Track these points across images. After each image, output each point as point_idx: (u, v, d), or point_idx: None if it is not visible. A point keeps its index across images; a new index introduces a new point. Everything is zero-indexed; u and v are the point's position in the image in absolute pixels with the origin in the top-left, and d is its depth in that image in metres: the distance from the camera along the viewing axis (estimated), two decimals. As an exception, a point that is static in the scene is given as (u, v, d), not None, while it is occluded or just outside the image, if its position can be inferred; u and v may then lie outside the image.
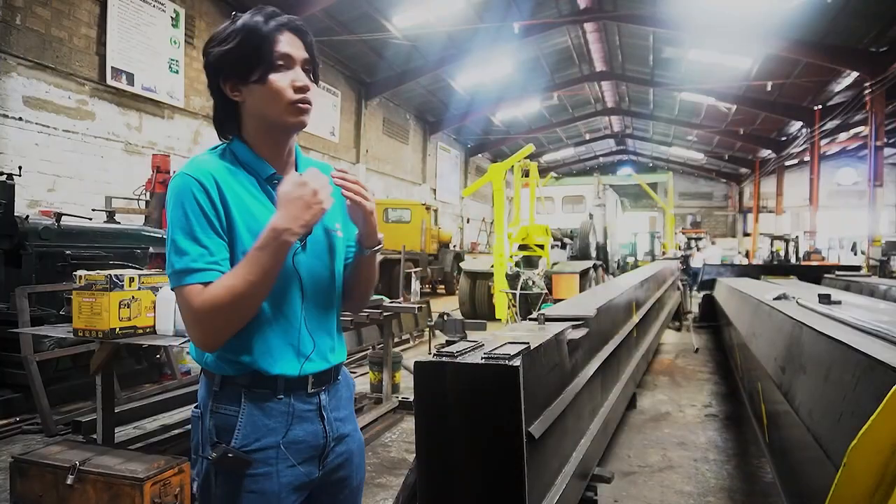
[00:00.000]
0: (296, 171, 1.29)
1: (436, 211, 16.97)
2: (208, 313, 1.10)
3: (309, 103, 1.20)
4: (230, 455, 1.17)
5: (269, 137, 1.23)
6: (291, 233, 1.11)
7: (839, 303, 2.85)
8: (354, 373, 5.44)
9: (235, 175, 1.20)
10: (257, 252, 1.10)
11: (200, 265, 1.11)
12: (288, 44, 1.18)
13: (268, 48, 1.16)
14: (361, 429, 1.82)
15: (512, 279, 9.33)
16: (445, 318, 4.43)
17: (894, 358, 1.43)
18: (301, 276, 1.22)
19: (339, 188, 1.28)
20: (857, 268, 11.01)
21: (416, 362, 1.52)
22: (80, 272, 2.92)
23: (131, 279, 2.89)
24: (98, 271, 2.90)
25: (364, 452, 1.42)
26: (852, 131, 20.84)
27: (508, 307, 8.99)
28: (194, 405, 1.28)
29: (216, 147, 1.25)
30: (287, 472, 1.21)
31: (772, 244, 20.87)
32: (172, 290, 1.15)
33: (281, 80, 1.17)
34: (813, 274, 8.74)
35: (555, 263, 10.39)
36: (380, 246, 1.34)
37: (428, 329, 6.29)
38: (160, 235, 5.87)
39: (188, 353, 5.82)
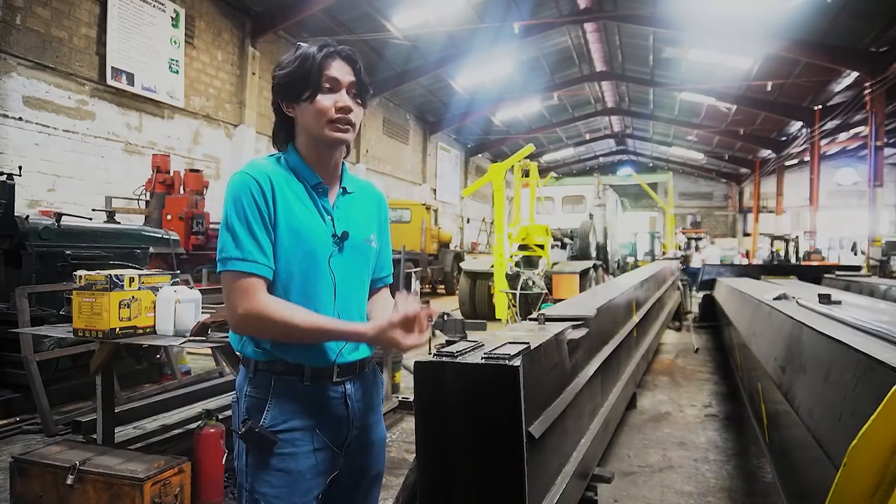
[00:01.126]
0: (340, 184, 1.43)
1: (436, 211, 16.96)
2: (253, 317, 1.25)
3: (349, 123, 1.33)
4: (256, 432, 1.29)
5: (315, 150, 1.37)
6: (365, 339, 1.33)
7: (839, 303, 2.86)
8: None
9: (287, 179, 1.34)
10: (332, 330, 1.28)
11: (253, 257, 1.26)
12: (336, 69, 1.32)
13: (317, 72, 1.30)
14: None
15: (512, 279, 9.32)
16: (445, 318, 4.42)
17: (894, 358, 1.43)
18: (335, 276, 1.34)
19: (376, 201, 1.50)
20: (857, 268, 11.01)
21: (416, 362, 1.52)
22: (80, 272, 2.91)
23: (131, 279, 2.89)
24: (98, 271, 2.89)
25: (384, 444, 1.52)
26: (852, 131, 20.84)
27: (508, 307, 8.98)
28: (233, 392, 1.43)
29: (272, 155, 1.41)
30: (312, 454, 1.32)
31: (772, 244, 20.83)
32: (219, 273, 1.29)
33: (325, 101, 1.31)
34: (813, 274, 8.74)
35: (555, 263, 10.38)
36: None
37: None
38: (160, 235, 5.86)
39: (186, 353, 5.76)
